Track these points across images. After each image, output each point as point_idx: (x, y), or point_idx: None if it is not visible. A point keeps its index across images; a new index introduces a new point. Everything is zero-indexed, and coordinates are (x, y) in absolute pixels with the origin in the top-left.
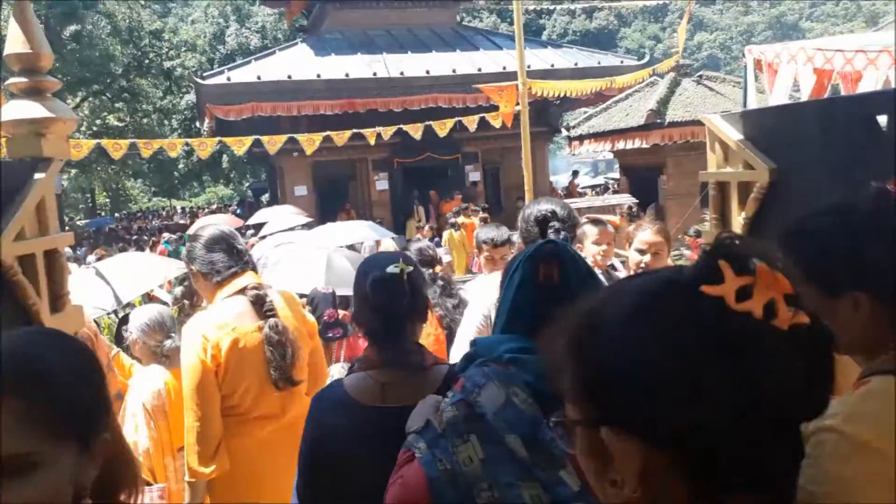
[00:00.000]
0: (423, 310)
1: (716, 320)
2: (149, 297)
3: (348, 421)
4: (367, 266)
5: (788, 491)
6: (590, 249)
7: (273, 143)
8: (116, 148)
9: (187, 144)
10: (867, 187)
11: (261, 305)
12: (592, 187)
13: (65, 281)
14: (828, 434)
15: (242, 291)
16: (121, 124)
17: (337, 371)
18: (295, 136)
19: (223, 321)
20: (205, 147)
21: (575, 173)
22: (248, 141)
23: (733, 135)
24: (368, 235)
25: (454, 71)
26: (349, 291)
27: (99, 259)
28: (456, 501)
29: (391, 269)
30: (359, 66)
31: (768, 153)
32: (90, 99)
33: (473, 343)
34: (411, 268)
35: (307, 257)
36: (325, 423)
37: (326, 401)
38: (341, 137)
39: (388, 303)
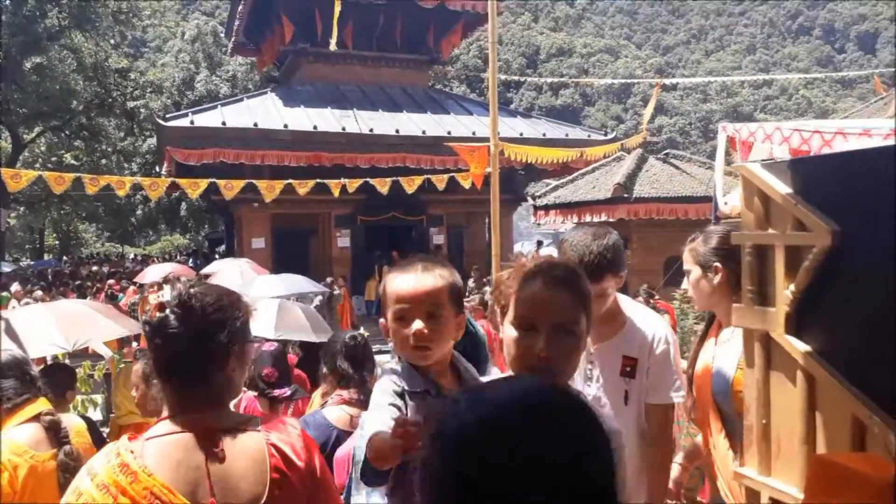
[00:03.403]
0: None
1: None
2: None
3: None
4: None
5: None
6: None
7: (230, 187)
8: (59, 182)
9: (137, 184)
10: None
11: (56, 432)
12: None
13: None
14: None
15: (36, 418)
16: (77, 163)
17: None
18: (254, 181)
19: (21, 447)
20: (156, 187)
21: (539, 243)
22: (203, 183)
23: (780, 188)
24: (305, 287)
25: (424, 132)
26: (304, 337)
27: (35, 302)
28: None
29: (358, 336)
30: (328, 119)
31: (825, 211)
32: (47, 134)
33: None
34: (366, 334)
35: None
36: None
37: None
38: (304, 186)
39: (355, 356)
